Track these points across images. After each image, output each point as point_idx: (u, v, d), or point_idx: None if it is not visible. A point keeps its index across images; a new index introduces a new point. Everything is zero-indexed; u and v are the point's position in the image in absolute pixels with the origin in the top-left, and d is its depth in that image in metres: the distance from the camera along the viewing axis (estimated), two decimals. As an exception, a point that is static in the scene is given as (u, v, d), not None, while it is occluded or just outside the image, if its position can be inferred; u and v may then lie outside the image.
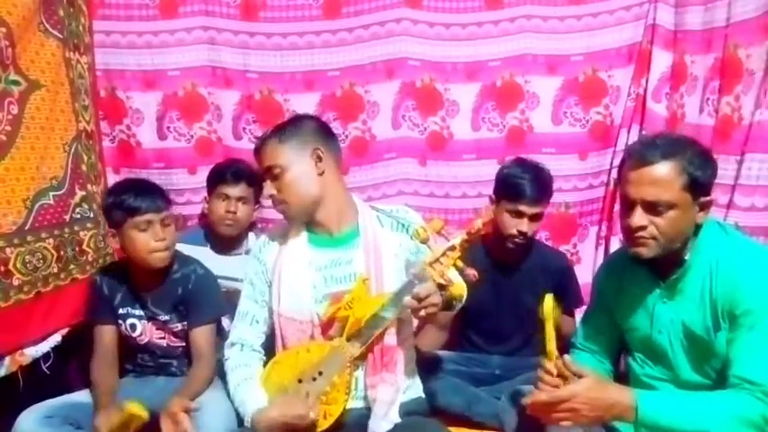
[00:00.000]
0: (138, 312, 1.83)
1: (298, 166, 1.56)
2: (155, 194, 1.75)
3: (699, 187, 1.31)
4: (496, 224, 1.93)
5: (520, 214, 1.91)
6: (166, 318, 1.82)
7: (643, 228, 1.32)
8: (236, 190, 2.14)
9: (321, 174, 1.58)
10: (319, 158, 1.58)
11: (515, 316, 2.03)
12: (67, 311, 1.99)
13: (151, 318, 1.83)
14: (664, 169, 1.30)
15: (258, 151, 1.61)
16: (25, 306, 1.84)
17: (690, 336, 1.37)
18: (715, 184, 1.38)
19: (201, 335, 1.78)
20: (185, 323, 1.81)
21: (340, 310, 1.52)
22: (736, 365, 1.27)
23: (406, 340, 1.63)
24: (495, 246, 2.01)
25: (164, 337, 1.85)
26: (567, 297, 2.06)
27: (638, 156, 1.33)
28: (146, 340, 1.85)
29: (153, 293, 1.82)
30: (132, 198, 1.71)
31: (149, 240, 1.71)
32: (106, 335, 1.83)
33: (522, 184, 1.91)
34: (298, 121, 1.65)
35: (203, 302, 1.81)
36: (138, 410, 1.48)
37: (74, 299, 2.00)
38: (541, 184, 1.94)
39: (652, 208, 1.31)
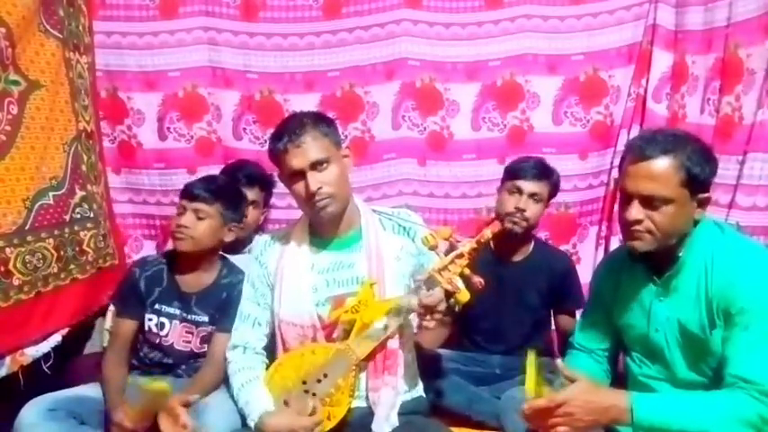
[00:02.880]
0: (174, 311, 1.81)
1: (339, 161, 1.55)
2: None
3: (697, 184, 1.31)
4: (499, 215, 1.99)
5: (519, 190, 1.96)
6: (205, 319, 1.80)
7: (639, 221, 1.32)
8: (249, 194, 2.06)
9: (349, 173, 1.60)
10: (347, 157, 1.60)
11: (515, 314, 2.03)
12: (67, 311, 2.00)
13: (185, 319, 1.81)
14: (662, 164, 1.30)
15: (294, 146, 1.49)
16: (25, 306, 1.84)
17: (685, 334, 1.37)
18: (717, 184, 1.38)
19: (222, 341, 1.74)
20: (214, 328, 1.79)
21: (346, 313, 1.52)
22: (732, 364, 1.27)
23: (407, 343, 1.63)
24: (497, 239, 2.00)
25: (190, 341, 1.82)
26: (569, 299, 2.06)
27: (638, 150, 1.33)
28: (170, 341, 1.82)
29: (199, 293, 1.82)
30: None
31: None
32: (126, 329, 1.82)
33: (522, 165, 2.02)
34: (319, 118, 1.59)
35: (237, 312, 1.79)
36: (160, 386, 1.45)
37: (74, 299, 2.01)
38: (541, 167, 2.01)
39: (649, 202, 1.31)
